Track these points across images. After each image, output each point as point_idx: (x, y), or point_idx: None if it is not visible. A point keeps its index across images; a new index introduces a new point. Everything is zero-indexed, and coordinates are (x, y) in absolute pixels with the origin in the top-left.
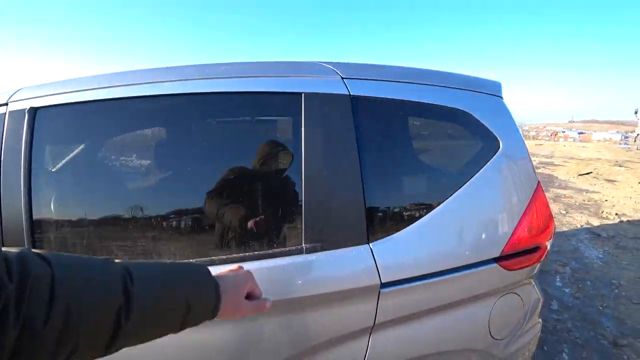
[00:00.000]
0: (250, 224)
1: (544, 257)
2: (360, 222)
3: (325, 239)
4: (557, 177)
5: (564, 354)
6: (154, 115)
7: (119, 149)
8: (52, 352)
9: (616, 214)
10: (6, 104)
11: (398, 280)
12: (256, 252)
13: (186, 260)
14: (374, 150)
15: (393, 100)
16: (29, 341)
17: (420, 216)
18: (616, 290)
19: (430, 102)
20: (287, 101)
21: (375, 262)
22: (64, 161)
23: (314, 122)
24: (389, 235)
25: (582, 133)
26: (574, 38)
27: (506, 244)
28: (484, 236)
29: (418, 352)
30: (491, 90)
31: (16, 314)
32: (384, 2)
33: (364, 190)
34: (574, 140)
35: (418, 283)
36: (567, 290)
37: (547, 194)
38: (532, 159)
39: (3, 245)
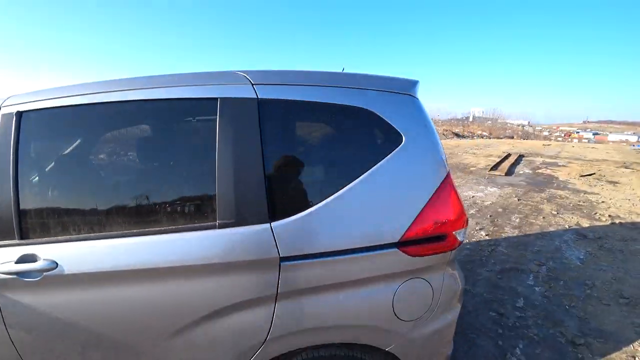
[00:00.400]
0: (174, 203)
1: (454, 246)
2: (262, 205)
3: (235, 217)
4: (557, 178)
5: (517, 349)
6: (103, 120)
7: (83, 147)
8: None
9: (609, 215)
10: None
11: (296, 256)
12: (180, 226)
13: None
14: (277, 144)
15: (296, 101)
16: None
17: (319, 202)
18: (588, 291)
19: (333, 102)
20: (205, 105)
21: (275, 238)
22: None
23: (227, 122)
24: (289, 217)
25: (597, 134)
26: (589, 38)
27: (407, 230)
28: (383, 221)
29: (321, 323)
30: (402, 90)
31: None
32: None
33: (265, 178)
34: (588, 141)
35: (317, 260)
36: (537, 289)
37: (542, 195)
38: (536, 159)
39: None
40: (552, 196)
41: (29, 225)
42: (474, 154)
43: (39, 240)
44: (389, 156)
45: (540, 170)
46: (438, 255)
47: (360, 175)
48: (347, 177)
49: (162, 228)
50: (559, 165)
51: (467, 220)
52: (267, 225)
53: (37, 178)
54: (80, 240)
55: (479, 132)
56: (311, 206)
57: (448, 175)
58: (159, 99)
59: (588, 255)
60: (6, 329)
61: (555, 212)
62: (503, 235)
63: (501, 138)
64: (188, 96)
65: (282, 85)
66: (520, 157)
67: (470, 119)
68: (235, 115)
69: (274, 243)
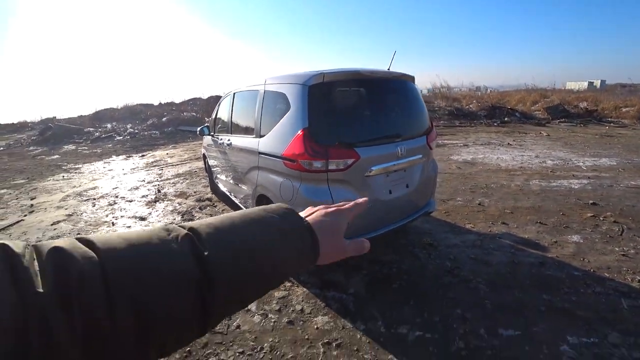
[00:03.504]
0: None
1: (301, 168)
2: (257, 132)
3: (253, 133)
4: None
5: None
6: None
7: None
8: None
9: None
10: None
11: (263, 152)
12: (244, 135)
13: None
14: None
15: (273, 91)
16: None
17: (269, 132)
18: None
19: (276, 90)
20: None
21: (258, 144)
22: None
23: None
24: (262, 137)
25: None
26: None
27: (283, 152)
28: (278, 145)
29: (265, 184)
30: (298, 82)
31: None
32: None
33: (260, 123)
34: None
35: (266, 156)
36: None
37: None
38: None
39: None
40: None
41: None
42: None
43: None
44: (285, 115)
45: None
46: (294, 170)
47: (278, 122)
48: (276, 122)
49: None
50: None
51: (311, 157)
52: (257, 139)
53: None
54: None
55: None
56: (266, 134)
57: (302, 130)
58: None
59: None
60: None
61: None
62: None
63: None
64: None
65: (272, 84)
66: None
67: None
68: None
69: (258, 146)
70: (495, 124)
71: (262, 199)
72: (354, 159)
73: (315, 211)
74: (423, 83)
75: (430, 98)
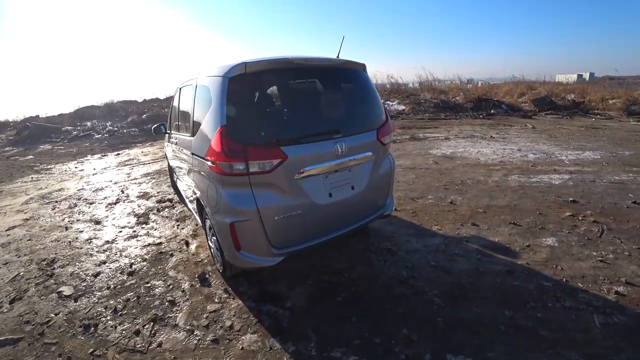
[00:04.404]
0: None
1: (220, 171)
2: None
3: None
4: None
5: None
6: None
7: None
8: None
9: None
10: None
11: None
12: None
13: None
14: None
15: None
16: None
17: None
18: None
19: (202, 84)
20: None
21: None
22: None
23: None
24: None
25: None
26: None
27: (206, 154)
28: (204, 145)
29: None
30: (219, 74)
31: None
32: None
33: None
34: None
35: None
36: None
37: None
38: None
39: None
40: None
41: None
42: None
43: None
44: (208, 112)
45: None
46: (216, 173)
47: (204, 119)
48: (203, 120)
49: None
50: None
51: (229, 159)
52: (191, 139)
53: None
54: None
55: None
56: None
57: (220, 128)
58: None
59: None
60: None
61: None
62: None
63: None
64: None
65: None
66: None
67: None
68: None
69: (191, 146)
70: (481, 116)
71: (199, 203)
72: (280, 159)
73: None
74: (410, 76)
75: (417, 91)
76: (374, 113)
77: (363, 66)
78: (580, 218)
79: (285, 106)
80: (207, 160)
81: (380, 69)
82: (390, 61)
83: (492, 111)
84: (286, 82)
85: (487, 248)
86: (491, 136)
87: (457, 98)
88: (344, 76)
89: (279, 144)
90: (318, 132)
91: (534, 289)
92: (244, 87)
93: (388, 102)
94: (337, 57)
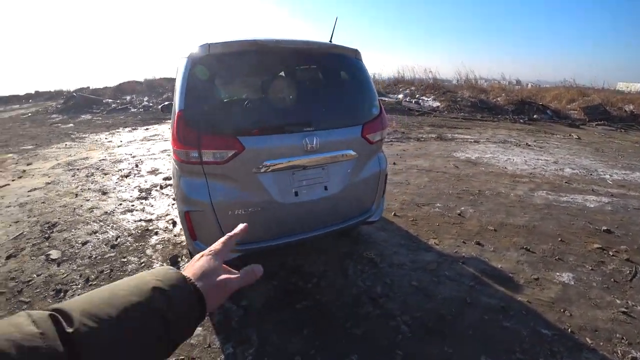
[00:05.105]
0: None
1: (178, 158)
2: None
3: None
4: None
5: None
6: None
7: None
8: None
9: None
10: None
11: None
12: None
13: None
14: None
15: None
16: None
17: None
18: None
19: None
20: None
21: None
22: None
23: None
24: None
25: None
26: None
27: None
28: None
29: None
30: (186, 55)
31: None
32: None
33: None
34: None
35: None
36: None
37: None
38: None
39: None
40: None
41: None
42: None
43: None
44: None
45: None
46: (174, 159)
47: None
48: None
49: None
50: None
51: (184, 146)
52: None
53: None
54: None
55: None
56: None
57: (178, 113)
58: None
59: None
60: None
61: None
62: None
63: None
64: None
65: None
66: None
67: None
68: None
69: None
70: (521, 120)
71: None
72: (235, 151)
73: (199, 259)
74: (450, 73)
75: (455, 88)
76: (361, 106)
77: (355, 52)
78: (610, 253)
79: (249, 93)
80: (172, 146)
81: (419, 62)
82: (429, 55)
83: (534, 116)
84: (253, 67)
85: (485, 274)
86: (527, 143)
87: (497, 99)
88: (327, 63)
89: (237, 133)
90: (284, 123)
91: (528, 336)
92: (206, 69)
93: (423, 98)
94: (330, 41)
